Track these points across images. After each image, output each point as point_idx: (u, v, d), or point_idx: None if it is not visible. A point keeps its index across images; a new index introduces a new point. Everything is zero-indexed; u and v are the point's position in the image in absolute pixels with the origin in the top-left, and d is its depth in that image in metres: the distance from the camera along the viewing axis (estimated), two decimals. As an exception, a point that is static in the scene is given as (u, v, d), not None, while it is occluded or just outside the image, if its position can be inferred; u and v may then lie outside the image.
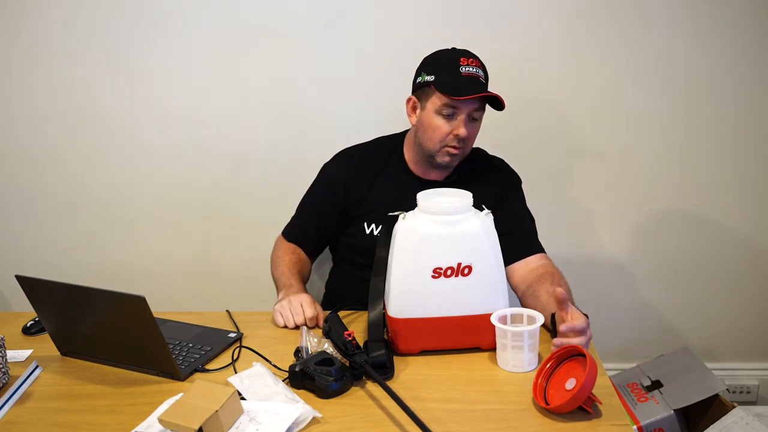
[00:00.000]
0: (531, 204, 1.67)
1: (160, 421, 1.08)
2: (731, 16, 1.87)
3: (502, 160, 1.69)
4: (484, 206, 1.33)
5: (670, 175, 2.02)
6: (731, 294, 2.13)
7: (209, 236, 2.11)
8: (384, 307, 1.34)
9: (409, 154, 1.64)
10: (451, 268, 1.27)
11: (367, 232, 1.62)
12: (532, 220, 1.65)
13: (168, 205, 2.08)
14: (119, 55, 1.95)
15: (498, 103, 1.51)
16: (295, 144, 1.99)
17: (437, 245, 1.27)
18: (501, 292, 1.32)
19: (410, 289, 1.30)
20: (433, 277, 1.28)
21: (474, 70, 1.49)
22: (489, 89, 1.52)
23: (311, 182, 1.72)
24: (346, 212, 1.65)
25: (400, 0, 1.89)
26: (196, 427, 1.03)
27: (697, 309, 2.15)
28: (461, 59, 1.49)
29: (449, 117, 1.50)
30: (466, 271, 1.28)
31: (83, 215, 2.10)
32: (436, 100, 1.50)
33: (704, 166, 2.01)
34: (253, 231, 2.07)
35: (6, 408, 1.21)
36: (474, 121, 1.52)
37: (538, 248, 1.58)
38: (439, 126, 1.51)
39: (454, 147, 1.52)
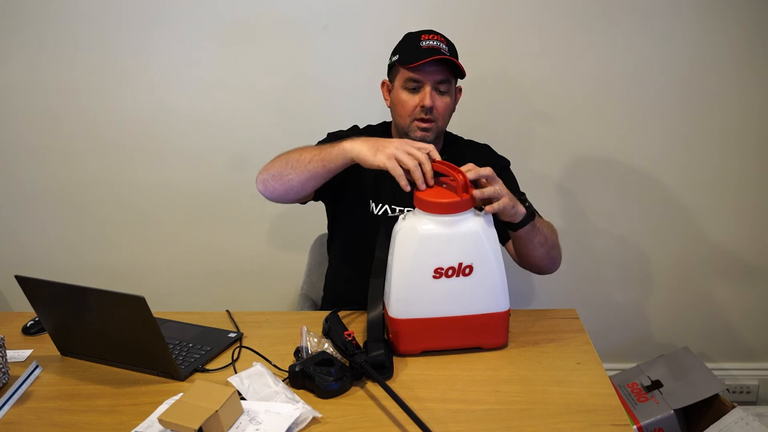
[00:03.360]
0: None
1: (160, 421, 1.08)
2: (733, 15, 1.87)
3: (487, 145, 1.69)
4: (483, 207, 1.32)
5: (671, 176, 2.02)
6: (731, 294, 2.13)
7: (209, 236, 2.11)
8: (384, 308, 1.34)
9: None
10: (452, 268, 1.27)
11: (370, 210, 1.60)
12: (523, 195, 1.62)
13: (168, 205, 2.09)
14: (120, 56, 1.95)
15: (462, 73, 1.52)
16: (295, 144, 1.98)
17: (438, 245, 1.27)
18: (502, 292, 1.31)
19: (411, 289, 1.29)
20: (434, 277, 1.27)
21: (435, 43, 1.51)
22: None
23: None
24: (343, 186, 1.60)
25: None
26: (196, 427, 1.03)
27: (697, 309, 2.15)
28: (422, 35, 1.53)
29: (415, 90, 1.52)
30: (467, 271, 1.27)
31: (83, 215, 2.11)
32: (401, 76, 1.53)
33: (705, 166, 2.01)
34: (253, 231, 2.07)
35: (6, 408, 1.21)
36: (441, 93, 1.53)
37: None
38: (406, 100, 1.53)
39: (422, 120, 1.52)
